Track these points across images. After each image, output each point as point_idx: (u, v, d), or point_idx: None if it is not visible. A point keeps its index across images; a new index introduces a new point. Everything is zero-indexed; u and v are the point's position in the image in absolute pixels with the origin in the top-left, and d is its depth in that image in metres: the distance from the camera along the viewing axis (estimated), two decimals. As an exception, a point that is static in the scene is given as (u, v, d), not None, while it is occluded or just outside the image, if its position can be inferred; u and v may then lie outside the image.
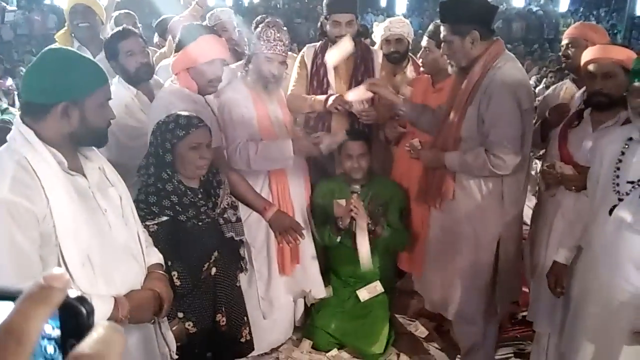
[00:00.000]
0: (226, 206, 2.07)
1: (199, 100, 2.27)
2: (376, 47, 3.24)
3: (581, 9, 13.10)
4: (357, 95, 2.60)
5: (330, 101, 2.72)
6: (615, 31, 11.27)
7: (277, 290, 2.69)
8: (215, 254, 2.02)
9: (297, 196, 2.66)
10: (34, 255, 1.32)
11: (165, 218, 1.87)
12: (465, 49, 2.23)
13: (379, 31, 3.26)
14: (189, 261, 1.93)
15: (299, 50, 3.14)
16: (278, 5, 15.77)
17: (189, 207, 1.91)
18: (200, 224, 1.94)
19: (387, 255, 2.86)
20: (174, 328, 1.84)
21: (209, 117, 2.23)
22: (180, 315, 1.92)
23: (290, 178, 2.60)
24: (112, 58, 2.51)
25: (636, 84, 1.79)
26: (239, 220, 2.12)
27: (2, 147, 1.41)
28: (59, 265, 1.35)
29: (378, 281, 2.85)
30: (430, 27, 2.79)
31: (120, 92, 2.47)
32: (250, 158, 2.42)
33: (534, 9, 12.73)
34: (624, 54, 2.12)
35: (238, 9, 11.56)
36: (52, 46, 1.46)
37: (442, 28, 2.28)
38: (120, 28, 2.59)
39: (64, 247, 1.35)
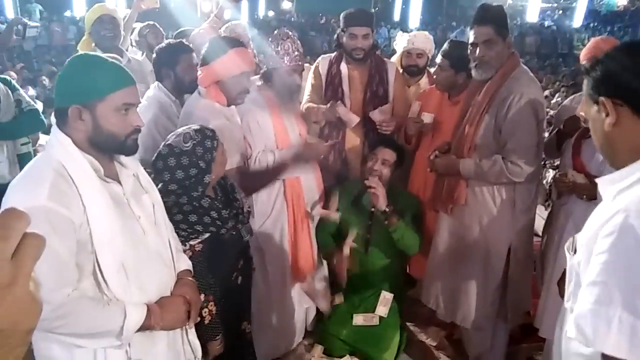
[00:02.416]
0: (248, 209, 2.08)
1: (229, 114, 2.31)
2: (396, 56, 3.33)
3: (595, 24, 13.13)
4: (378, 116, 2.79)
5: (328, 107, 2.83)
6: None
7: (290, 297, 2.73)
8: (241, 261, 2.03)
9: (312, 205, 2.71)
10: (71, 263, 1.33)
11: (207, 235, 1.85)
12: (504, 52, 2.30)
13: (401, 42, 3.34)
14: (222, 274, 1.93)
15: (313, 62, 3.23)
16: (292, 19, 15.97)
17: (228, 220, 1.90)
18: (234, 233, 1.94)
19: (398, 261, 2.89)
20: (216, 348, 1.85)
21: (238, 129, 2.31)
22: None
23: (305, 187, 2.65)
24: (168, 66, 2.62)
25: None
26: (248, 220, 2.11)
27: (40, 154, 1.45)
28: (94, 272, 1.37)
29: (386, 292, 2.86)
30: (445, 46, 2.84)
31: (161, 97, 2.62)
32: (268, 167, 2.49)
33: (548, 24, 12.81)
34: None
35: (253, 22, 11.75)
36: (81, 52, 1.51)
37: (481, 30, 2.28)
38: (181, 41, 2.75)
39: (100, 254, 1.36)
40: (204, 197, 1.86)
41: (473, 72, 2.36)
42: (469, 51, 2.37)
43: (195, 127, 1.90)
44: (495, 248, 2.41)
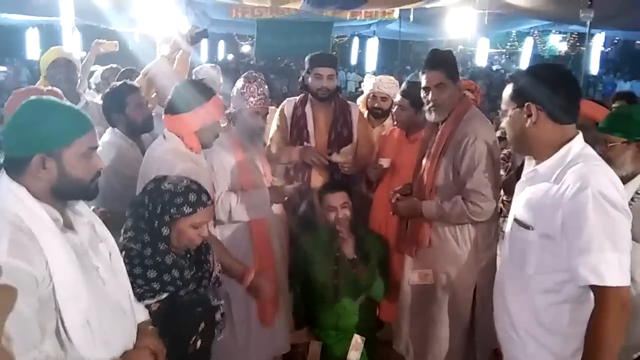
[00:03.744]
0: (218, 273, 1.96)
1: (198, 160, 2.27)
2: (362, 97, 3.45)
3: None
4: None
5: (301, 150, 2.84)
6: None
7: (257, 342, 2.64)
8: (202, 324, 1.88)
9: (277, 248, 2.67)
10: (33, 323, 1.22)
11: (164, 295, 1.74)
12: (456, 94, 2.39)
13: (368, 84, 3.46)
14: (179, 338, 1.79)
15: (273, 105, 3.28)
16: (252, 62, 16.20)
17: (190, 281, 1.79)
18: (195, 296, 1.83)
19: (368, 305, 2.86)
20: None
21: (207, 176, 2.27)
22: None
23: (271, 230, 2.62)
24: (117, 110, 2.58)
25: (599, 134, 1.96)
26: (220, 284, 1.99)
27: None
28: (57, 330, 1.27)
29: (358, 335, 2.81)
30: (404, 86, 2.94)
31: (116, 141, 2.55)
32: (232, 208, 2.46)
33: (496, 67, 13.54)
34: (594, 110, 2.30)
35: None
36: (33, 97, 1.40)
37: (433, 74, 2.37)
38: (125, 82, 2.69)
39: (64, 310, 1.27)
40: (170, 253, 1.76)
41: (427, 115, 2.43)
42: (422, 94, 2.44)
43: (194, 186, 1.81)
44: (461, 288, 2.42)
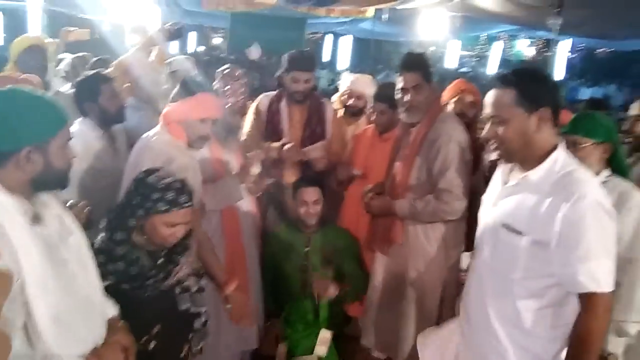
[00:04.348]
0: (183, 276, 1.89)
1: (192, 156, 2.26)
2: (337, 95, 3.48)
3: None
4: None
5: (285, 149, 2.82)
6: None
7: (227, 338, 2.64)
8: (158, 327, 1.80)
9: (249, 242, 2.68)
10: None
11: (106, 283, 1.65)
12: (431, 96, 2.43)
13: (344, 82, 3.48)
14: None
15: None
16: (222, 55, 15.98)
17: (135, 278, 1.73)
18: (146, 295, 1.76)
19: (337, 301, 2.88)
20: None
21: (198, 174, 2.26)
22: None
23: (242, 220, 2.63)
24: (90, 99, 2.53)
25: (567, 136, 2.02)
26: (201, 289, 1.95)
27: None
28: (25, 326, 1.24)
29: (326, 330, 2.83)
30: (378, 90, 2.99)
31: (85, 133, 2.49)
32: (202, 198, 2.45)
33: (466, 70, 13.77)
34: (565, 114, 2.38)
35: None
36: (8, 86, 1.35)
37: (410, 76, 2.40)
38: (99, 71, 2.66)
39: (34, 305, 1.24)
40: (125, 244, 1.72)
41: (402, 116, 2.47)
42: (397, 95, 2.48)
43: (177, 184, 1.78)
44: (430, 285, 2.48)
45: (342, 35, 11.46)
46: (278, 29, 9.42)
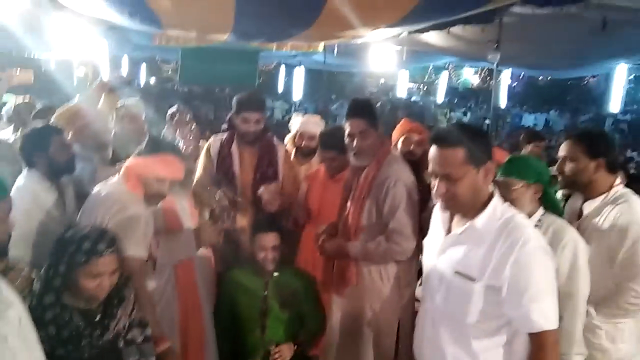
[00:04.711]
0: (124, 329, 1.82)
1: (146, 208, 2.26)
2: (290, 136, 3.50)
3: (455, 100, 14.87)
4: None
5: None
6: (486, 121, 12.95)
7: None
8: None
9: (203, 289, 2.64)
10: None
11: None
12: (377, 140, 2.51)
13: (295, 124, 3.53)
14: None
15: (200, 132, 3.28)
16: (176, 87, 15.87)
17: (69, 340, 1.66)
18: (86, 356, 1.69)
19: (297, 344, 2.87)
20: None
21: (150, 226, 2.25)
22: None
23: (198, 273, 2.60)
24: (40, 150, 2.49)
25: (501, 178, 2.13)
26: (147, 339, 1.87)
27: None
28: None
29: None
30: (324, 138, 3.04)
31: (32, 186, 2.46)
32: (153, 252, 2.42)
33: (415, 99, 14.29)
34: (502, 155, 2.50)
35: (132, 89, 11.50)
36: None
37: (356, 123, 2.48)
38: (49, 124, 2.67)
39: None
40: (56, 307, 1.67)
41: (351, 159, 2.55)
42: (346, 140, 2.55)
43: (93, 234, 1.74)
44: (385, 324, 2.51)
45: (295, 66, 11.65)
46: (231, 61, 9.43)
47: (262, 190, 2.92)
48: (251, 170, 3.04)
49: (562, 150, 2.31)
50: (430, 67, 13.11)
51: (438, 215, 1.92)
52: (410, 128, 3.09)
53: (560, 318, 1.83)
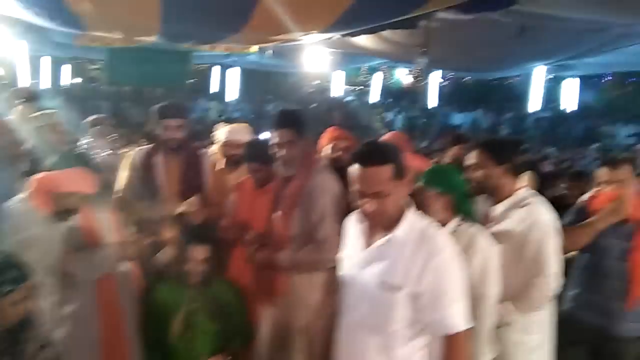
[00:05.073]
0: (34, 353, 1.77)
1: (53, 226, 2.18)
2: (216, 146, 3.45)
3: (390, 100, 15.23)
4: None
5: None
6: (418, 120, 13.37)
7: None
8: None
9: (128, 309, 2.55)
10: None
11: None
12: (304, 150, 2.53)
13: (221, 134, 3.46)
14: None
15: (129, 133, 3.18)
16: (101, 87, 15.14)
17: None
18: None
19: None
20: None
21: (54, 245, 2.16)
22: None
23: (121, 289, 2.51)
24: None
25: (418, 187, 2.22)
26: (59, 357, 1.87)
27: None
28: None
29: None
30: (248, 150, 2.93)
31: None
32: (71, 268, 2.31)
33: (350, 99, 14.50)
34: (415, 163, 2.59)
35: (56, 90, 10.89)
36: None
37: (283, 133, 2.49)
38: None
39: None
40: None
41: (279, 170, 2.55)
42: (273, 150, 2.55)
43: None
44: (317, 333, 2.51)
45: (231, 66, 11.47)
46: (162, 62, 9.11)
47: (186, 203, 2.86)
48: (176, 181, 2.97)
49: (471, 159, 2.44)
50: (365, 68, 13.36)
51: (354, 228, 1.96)
52: (337, 135, 3.14)
53: (472, 320, 1.96)
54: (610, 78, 14.00)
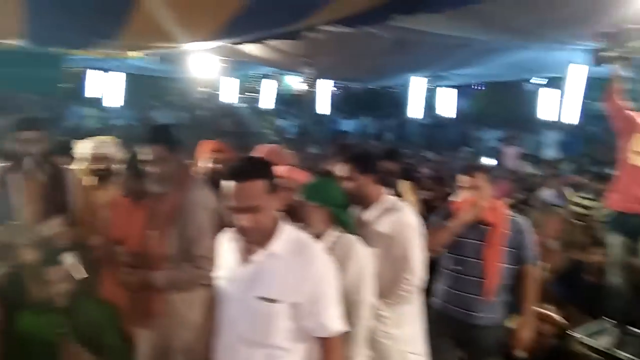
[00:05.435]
0: None
1: None
2: (81, 162, 3.22)
3: (282, 107, 15.31)
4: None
5: None
6: (309, 127, 13.63)
7: None
8: None
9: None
10: None
11: None
12: (177, 166, 2.48)
13: (84, 148, 3.23)
14: None
15: None
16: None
17: None
18: None
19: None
20: None
21: None
22: None
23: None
24: None
25: (297, 200, 2.27)
26: None
27: None
28: None
29: None
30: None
31: None
32: None
33: (240, 105, 14.32)
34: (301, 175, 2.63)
35: None
36: None
37: (154, 149, 2.44)
38: None
39: None
40: None
41: (151, 186, 2.47)
42: (145, 167, 2.47)
43: None
44: (198, 352, 2.45)
45: (112, 71, 10.77)
46: (28, 65, 8.28)
47: (48, 223, 2.65)
48: (37, 200, 2.73)
49: (340, 172, 2.57)
50: (255, 75, 13.32)
51: (228, 245, 1.98)
52: (214, 148, 3.13)
53: (348, 324, 2.09)
54: (483, 88, 15.40)
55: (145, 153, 2.42)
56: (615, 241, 3.58)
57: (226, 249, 2.00)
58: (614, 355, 3.23)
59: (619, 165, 3.60)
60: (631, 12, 3.62)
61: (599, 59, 3.55)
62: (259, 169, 1.82)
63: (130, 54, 7.79)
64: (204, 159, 3.04)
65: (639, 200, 3.43)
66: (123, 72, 10.78)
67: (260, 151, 3.12)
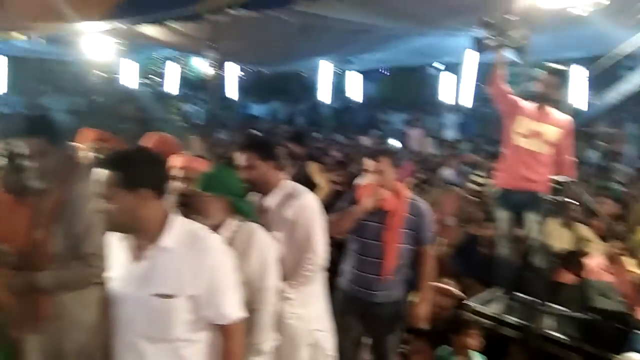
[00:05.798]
0: None
1: None
2: None
3: (189, 92, 14.77)
4: None
5: None
6: (217, 112, 13.29)
7: None
8: None
9: None
10: None
11: None
12: (60, 161, 2.34)
13: None
14: None
15: None
16: None
17: None
18: None
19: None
20: None
21: None
22: None
23: None
24: None
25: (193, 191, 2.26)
26: None
27: None
28: None
29: None
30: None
31: None
32: None
33: (144, 89, 13.59)
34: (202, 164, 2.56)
35: None
36: None
37: (29, 142, 2.25)
38: None
39: None
40: None
41: (31, 183, 2.27)
42: (23, 162, 2.26)
43: None
44: (94, 353, 2.33)
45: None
46: None
47: None
48: None
49: (241, 160, 2.57)
50: (158, 58, 12.73)
51: (118, 244, 1.92)
52: (97, 136, 3.01)
53: (254, 310, 2.16)
54: (387, 73, 15.92)
55: (22, 146, 2.22)
56: (502, 216, 3.89)
57: (116, 248, 1.93)
58: (503, 320, 3.52)
59: (505, 145, 3.89)
60: (517, 4, 3.90)
61: (481, 46, 3.78)
62: (121, 163, 1.76)
63: (13, 34, 7.13)
64: (85, 149, 2.85)
65: (522, 178, 3.73)
66: (4, 55, 9.79)
67: (148, 140, 3.00)
